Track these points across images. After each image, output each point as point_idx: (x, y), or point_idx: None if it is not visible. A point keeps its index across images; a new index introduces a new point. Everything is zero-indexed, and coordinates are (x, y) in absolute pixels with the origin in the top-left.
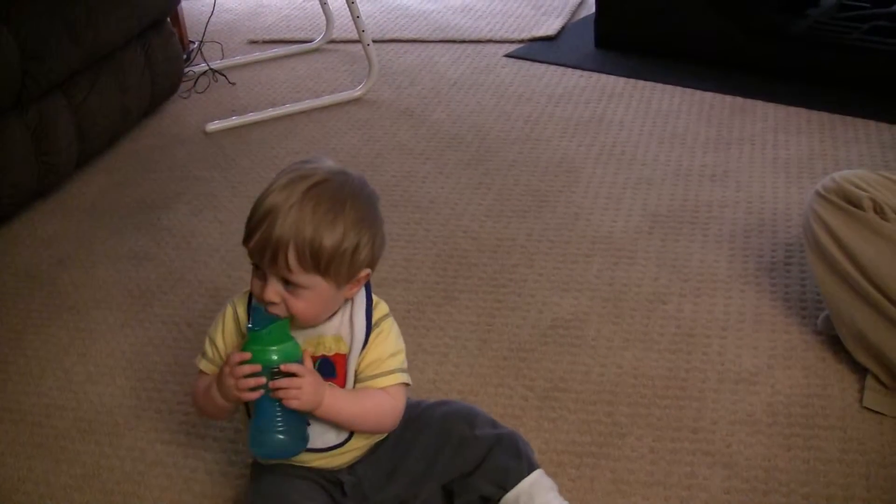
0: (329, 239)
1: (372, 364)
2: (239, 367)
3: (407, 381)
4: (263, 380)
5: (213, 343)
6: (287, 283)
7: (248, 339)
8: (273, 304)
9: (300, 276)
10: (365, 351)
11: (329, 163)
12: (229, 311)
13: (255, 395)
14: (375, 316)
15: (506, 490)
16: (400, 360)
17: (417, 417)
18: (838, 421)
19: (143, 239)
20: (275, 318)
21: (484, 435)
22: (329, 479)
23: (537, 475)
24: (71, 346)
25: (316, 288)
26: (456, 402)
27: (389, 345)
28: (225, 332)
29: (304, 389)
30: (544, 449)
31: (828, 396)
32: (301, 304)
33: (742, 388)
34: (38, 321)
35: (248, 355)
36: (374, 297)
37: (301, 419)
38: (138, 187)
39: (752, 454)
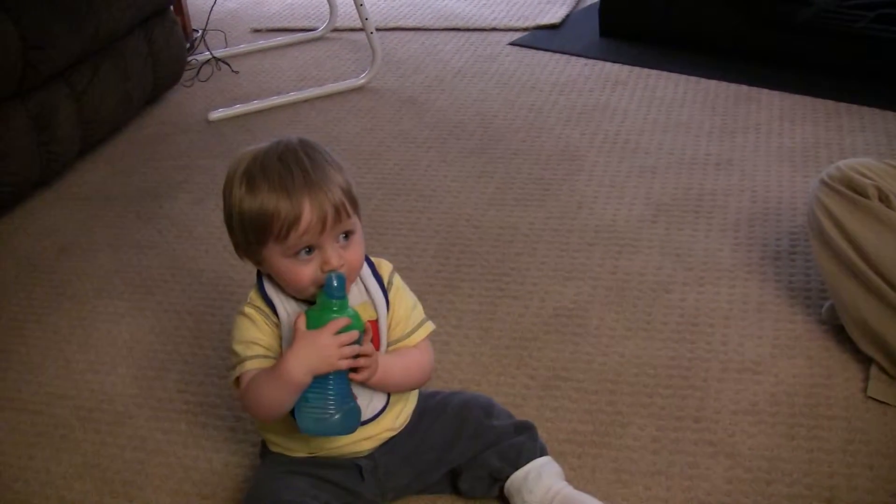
0: (350, 179)
1: (399, 324)
2: (348, 332)
3: (432, 328)
4: (358, 347)
5: (251, 342)
6: (345, 235)
7: (335, 307)
8: (336, 270)
9: (353, 220)
10: (390, 312)
11: (260, 144)
12: (250, 311)
13: (348, 364)
14: (384, 275)
15: (516, 467)
16: (420, 310)
17: (434, 406)
18: (842, 411)
19: (145, 227)
20: (343, 279)
21: (501, 424)
22: (346, 467)
23: (548, 459)
24: (72, 335)
25: (358, 229)
26: (472, 393)
27: (407, 299)
28: (260, 328)
29: (374, 357)
30: (546, 438)
31: (831, 386)
32: (356, 252)
33: (745, 377)
34: (38, 310)
35: (348, 321)
36: (374, 259)
37: (349, 392)
38: (140, 176)
39: (754, 444)
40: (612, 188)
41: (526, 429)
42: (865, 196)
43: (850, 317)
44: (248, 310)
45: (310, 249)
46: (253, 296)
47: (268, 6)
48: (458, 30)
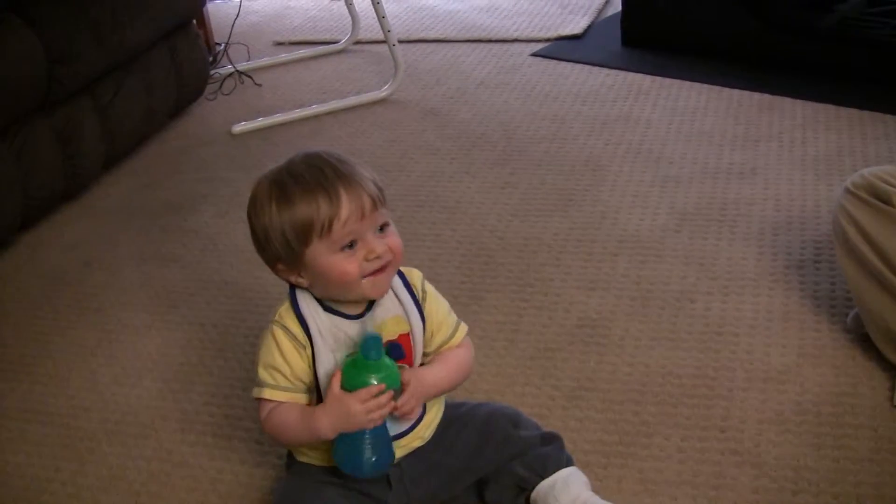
0: (375, 175)
1: (441, 328)
2: (376, 399)
3: (467, 328)
4: (392, 405)
5: (275, 369)
6: (381, 227)
7: (371, 368)
8: (381, 256)
9: (387, 212)
10: (427, 321)
11: (274, 166)
12: (279, 332)
13: (379, 422)
14: (416, 284)
15: (542, 477)
16: (453, 312)
17: (461, 416)
18: (868, 420)
19: (170, 241)
20: (380, 340)
21: (528, 434)
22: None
23: (574, 469)
24: (97, 348)
25: (391, 221)
26: (499, 403)
27: (441, 304)
28: (286, 354)
29: (415, 397)
30: (571, 449)
31: (858, 395)
32: (395, 240)
33: (771, 386)
34: (64, 323)
35: (382, 386)
36: (402, 269)
37: (386, 437)
38: (164, 189)
39: (780, 453)
40: (635, 198)
41: (553, 439)
42: (890, 203)
43: (876, 325)
44: (276, 330)
45: (352, 244)
46: (283, 313)
47: (290, 19)
48: (480, 41)
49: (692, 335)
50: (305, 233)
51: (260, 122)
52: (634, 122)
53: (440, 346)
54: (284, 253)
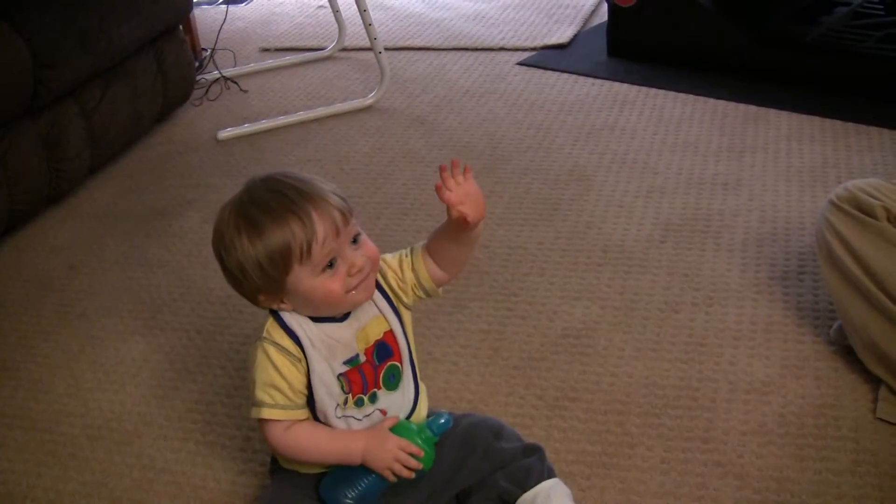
0: (335, 187)
1: (403, 270)
2: (408, 457)
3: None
4: (410, 472)
5: (272, 387)
6: (354, 240)
7: (424, 436)
8: (363, 269)
9: (356, 222)
10: (398, 305)
11: (233, 196)
12: (270, 349)
13: (391, 476)
14: (380, 278)
15: (525, 489)
16: (398, 252)
17: None
18: (851, 432)
19: (155, 246)
20: (448, 425)
21: (510, 446)
22: None
23: (557, 481)
24: (81, 353)
25: (361, 230)
26: (482, 415)
27: (391, 262)
28: (281, 370)
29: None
30: (554, 459)
31: (840, 407)
32: (371, 247)
33: (754, 398)
34: (48, 328)
35: (420, 453)
36: None
37: (375, 498)
38: (150, 194)
39: (763, 465)
40: (620, 208)
41: (534, 451)
42: (874, 216)
43: (859, 337)
44: (269, 348)
45: (331, 263)
46: (271, 329)
47: (276, 25)
48: (466, 49)
49: (676, 346)
50: (284, 260)
51: (246, 128)
52: (620, 132)
53: (413, 266)
54: (264, 284)
